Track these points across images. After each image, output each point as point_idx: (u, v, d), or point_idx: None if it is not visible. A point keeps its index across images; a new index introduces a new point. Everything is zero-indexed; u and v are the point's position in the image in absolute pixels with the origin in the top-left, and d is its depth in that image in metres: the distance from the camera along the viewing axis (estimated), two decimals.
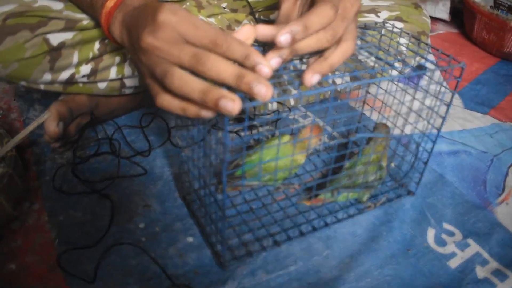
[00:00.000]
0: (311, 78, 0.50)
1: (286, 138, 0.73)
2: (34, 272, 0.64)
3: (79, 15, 0.74)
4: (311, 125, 0.63)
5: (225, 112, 0.44)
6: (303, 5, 0.55)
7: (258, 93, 0.43)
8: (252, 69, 0.45)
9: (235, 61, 0.46)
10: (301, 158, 0.72)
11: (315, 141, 0.70)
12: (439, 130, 0.72)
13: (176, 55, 0.46)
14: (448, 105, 0.69)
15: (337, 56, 0.52)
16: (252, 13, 0.97)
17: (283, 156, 0.67)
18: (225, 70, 0.44)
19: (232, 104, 0.43)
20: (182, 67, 0.46)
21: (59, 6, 0.73)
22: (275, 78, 0.54)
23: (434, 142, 0.73)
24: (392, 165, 0.84)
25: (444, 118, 0.70)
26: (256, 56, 0.45)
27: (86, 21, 0.74)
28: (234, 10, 0.99)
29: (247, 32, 0.49)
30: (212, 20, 0.92)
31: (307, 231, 0.72)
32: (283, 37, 0.47)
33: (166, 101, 0.48)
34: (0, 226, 0.65)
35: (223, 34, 0.46)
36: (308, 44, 0.50)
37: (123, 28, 0.55)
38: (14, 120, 0.93)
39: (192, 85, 0.45)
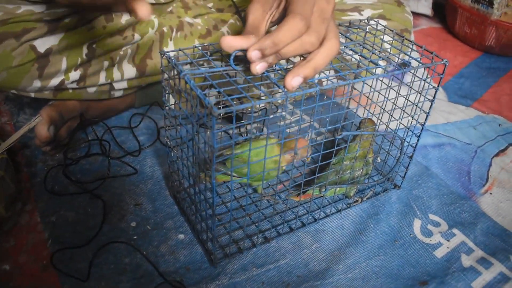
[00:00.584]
0: (291, 81, 0.51)
1: (273, 140, 0.74)
2: (28, 272, 0.64)
3: (61, 10, 0.74)
4: (297, 137, 0.65)
5: (137, 11, 0.48)
6: (273, 15, 0.56)
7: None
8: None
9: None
10: (283, 162, 0.72)
11: (302, 152, 0.71)
12: (423, 125, 0.74)
13: None
14: (432, 101, 0.70)
15: (321, 56, 0.52)
16: (237, 12, 0.98)
17: (268, 157, 0.68)
18: None
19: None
20: None
21: (41, 9, 0.74)
22: (262, 78, 0.55)
23: (418, 137, 0.75)
24: (378, 159, 0.86)
25: (428, 114, 0.72)
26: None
27: (68, 18, 0.75)
28: (220, 10, 1.00)
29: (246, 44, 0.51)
30: (198, 20, 0.94)
31: (296, 227, 0.73)
32: (253, 53, 0.49)
33: None
34: None
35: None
36: (293, 49, 0.51)
37: None
38: (5, 124, 0.94)
39: None
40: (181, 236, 0.71)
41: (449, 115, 1.04)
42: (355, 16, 0.93)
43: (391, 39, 0.72)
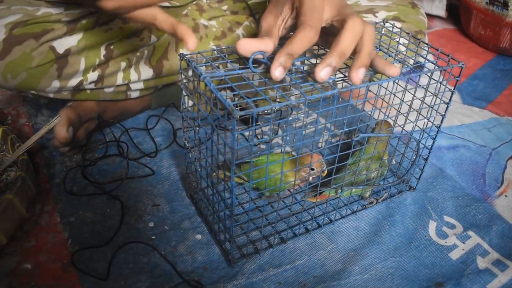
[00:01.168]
0: (321, 72, 0.52)
1: (287, 155, 0.75)
2: (49, 271, 0.66)
3: (78, 11, 0.76)
4: (312, 153, 0.66)
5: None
6: (285, 21, 0.59)
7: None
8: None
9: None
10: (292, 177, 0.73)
11: (316, 171, 0.71)
12: (439, 127, 0.74)
13: None
14: (448, 103, 0.71)
15: (344, 38, 0.53)
16: (252, 15, 0.99)
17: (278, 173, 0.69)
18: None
19: None
20: None
21: (60, 10, 0.75)
22: (278, 81, 0.56)
23: (434, 139, 0.75)
24: (393, 161, 0.86)
25: (444, 116, 0.72)
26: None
27: (85, 19, 0.76)
28: (234, 13, 1.01)
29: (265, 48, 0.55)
30: (213, 22, 0.95)
31: (312, 228, 0.74)
32: (277, 72, 0.51)
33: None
34: (14, 227, 0.67)
35: None
36: (301, 47, 0.53)
37: None
38: (23, 125, 0.95)
39: None
40: (199, 236, 0.72)
41: (463, 117, 1.03)
42: (369, 18, 0.94)
43: (407, 41, 0.72)
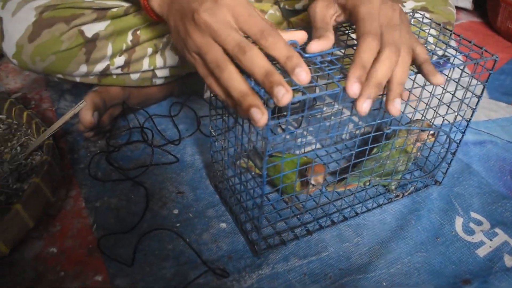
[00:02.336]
0: (363, 106, 0.49)
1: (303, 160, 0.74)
2: (74, 256, 0.66)
3: (110, 2, 0.75)
4: (315, 164, 0.65)
5: (252, 120, 0.46)
6: (338, 15, 0.58)
7: (276, 95, 0.45)
8: (291, 71, 0.46)
9: (274, 59, 0.48)
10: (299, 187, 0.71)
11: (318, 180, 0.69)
12: (468, 121, 0.72)
13: (222, 40, 0.47)
14: (479, 97, 0.69)
15: (380, 69, 0.50)
16: (277, 2, 0.98)
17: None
18: (258, 63, 0.46)
19: (260, 116, 0.45)
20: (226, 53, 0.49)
21: None
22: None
23: (463, 133, 0.74)
24: (418, 154, 0.84)
25: (474, 110, 0.71)
26: (298, 60, 0.46)
27: (116, 8, 0.76)
28: (259, 0, 1.00)
29: (298, 37, 0.51)
30: None
31: (338, 220, 0.73)
32: (355, 87, 0.48)
33: (213, 85, 0.51)
34: (41, 211, 0.67)
35: (273, 29, 0.48)
36: (369, 58, 0.51)
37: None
38: (46, 110, 0.95)
39: (236, 84, 0.47)
40: (223, 225, 0.71)
41: (490, 112, 1.02)
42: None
43: (436, 32, 0.71)
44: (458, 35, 0.70)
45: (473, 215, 0.77)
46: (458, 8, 1.45)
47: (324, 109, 0.96)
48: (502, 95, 1.08)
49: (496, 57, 0.65)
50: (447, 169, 0.79)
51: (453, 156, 0.77)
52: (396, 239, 0.71)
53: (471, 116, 0.72)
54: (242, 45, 0.47)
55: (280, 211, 0.74)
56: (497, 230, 0.74)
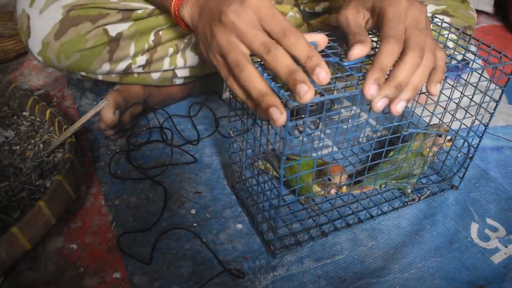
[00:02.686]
0: (397, 107, 0.51)
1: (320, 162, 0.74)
2: (94, 252, 0.67)
3: (136, 4, 0.77)
4: (333, 165, 0.65)
5: (271, 120, 0.47)
6: (367, 21, 0.59)
7: (299, 92, 0.45)
8: (311, 71, 0.47)
9: (295, 58, 0.48)
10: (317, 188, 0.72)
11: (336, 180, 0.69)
12: (486, 125, 0.72)
13: (249, 39, 0.49)
14: (498, 101, 0.69)
15: (402, 70, 0.51)
16: (297, 5, 0.98)
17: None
18: (283, 62, 0.47)
19: (279, 115, 0.46)
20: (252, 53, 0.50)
21: None
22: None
23: (481, 138, 0.74)
24: (435, 159, 0.84)
25: (492, 114, 0.71)
26: (318, 59, 0.47)
27: (140, 10, 0.77)
28: (279, 2, 1.01)
29: (319, 39, 0.53)
30: None
31: (353, 223, 0.73)
32: (372, 88, 0.49)
33: (233, 86, 0.52)
34: (63, 208, 0.68)
35: (295, 29, 0.49)
36: (389, 62, 0.51)
37: (196, 8, 0.58)
38: (68, 108, 0.97)
39: (255, 84, 0.48)
40: (239, 226, 0.72)
41: (508, 117, 1.01)
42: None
43: (456, 37, 0.71)
44: (477, 40, 0.70)
45: (489, 221, 0.77)
46: (479, 12, 1.44)
47: (342, 111, 0.96)
48: None
49: None
50: (464, 173, 0.79)
51: (470, 161, 0.77)
52: (410, 243, 0.71)
53: (489, 120, 0.72)
54: (267, 45, 0.48)
55: (296, 212, 0.75)
56: None
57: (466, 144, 0.74)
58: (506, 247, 0.72)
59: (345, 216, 0.74)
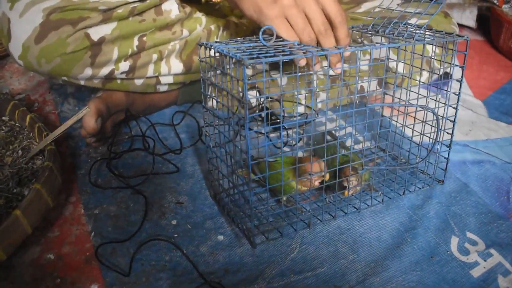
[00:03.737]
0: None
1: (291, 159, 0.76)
2: (72, 263, 0.66)
3: (115, 1, 0.76)
4: (314, 162, 0.67)
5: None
6: None
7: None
8: None
9: None
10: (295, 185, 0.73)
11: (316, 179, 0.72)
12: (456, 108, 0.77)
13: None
14: (461, 80, 0.75)
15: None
16: None
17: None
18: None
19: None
20: None
21: None
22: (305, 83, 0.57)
23: (454, 122, 0.77)
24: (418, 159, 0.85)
25: (458, 95, 0.76)
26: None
27: (121, 9, 0.76)
28: None
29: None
30: (244, 21, 0.94)
31: (339, 216, 0.75)
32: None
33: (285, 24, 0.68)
34: (40, 217, 0.67)
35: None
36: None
37: None
38: (49, 113, 0.96)
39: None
40: (221, 237, 0.72)
41: (489, 131, 1.02)
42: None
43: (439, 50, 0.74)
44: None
45: (469, 235, 0.77)
46: (461, 26, 1.46)
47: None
48: (502, 114, 1.09)
49: (467, 37, 0.72)
50: (446, 164, 0.80)
51: (449, 148, 0.79)
52: (391, 257, 0.71)
53: (459, 90, 0.77)
54: None
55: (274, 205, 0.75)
56: (492, 250, 0.75)
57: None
58: (485, 261, 0.73)
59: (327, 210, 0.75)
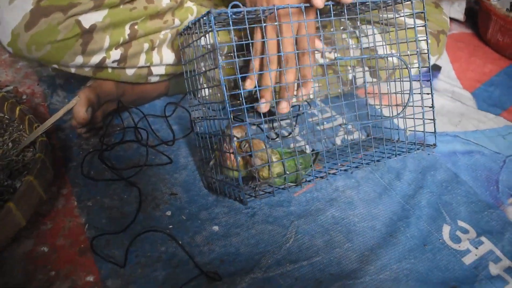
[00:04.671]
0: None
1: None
2: (66, 255, 0.66)
3: None
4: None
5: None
6: None
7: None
8: None
9: None
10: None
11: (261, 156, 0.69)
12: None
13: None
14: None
15: None
16: None
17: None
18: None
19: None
20: None
21: None
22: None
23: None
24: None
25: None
26: None
27: None
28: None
29: None
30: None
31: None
32: None
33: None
34: (33, 210, 0.66)
35: None
36: None
37: None
38: (38, 105, 0.94)
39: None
40: (216, 227, 0.72)
41: (478, 123, 1.04)
42: (392, 15, 0.94)
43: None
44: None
45: (460, 223, 0.78)
46: (450, 19, 1.47)
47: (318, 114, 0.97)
48: (490, 106, 1.10)
49: None
50: (434, 123, 0.78)
51: (432, 108, 0.77)
52: (385, 245, 0.72)
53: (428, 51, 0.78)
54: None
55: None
56: (483, 238, 0.76)
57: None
58: (476, 248, 0.74)
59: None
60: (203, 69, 0.70)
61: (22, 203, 0.63)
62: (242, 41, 0.68)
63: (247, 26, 0.62)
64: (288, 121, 0.96)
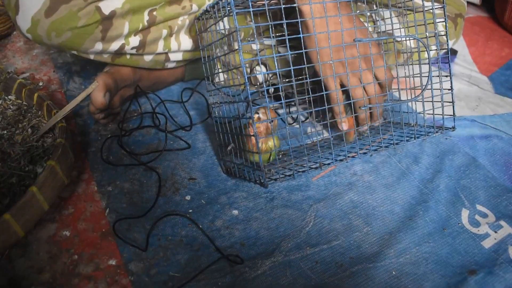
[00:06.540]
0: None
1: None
2: (88, 239, 0.66)
3: None
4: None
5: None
6: None
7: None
8: None
9: None
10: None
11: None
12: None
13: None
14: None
15: None
16: None
17: None
18: None
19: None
20: None
21: None
22: None
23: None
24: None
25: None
26: None
27: None
28: None
29: None
30: None
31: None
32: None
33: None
34: (56, 194, 0.67)
35: None
36: None
37: None
38: (55, 92, 0.95)
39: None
40: (235, 212, 0.72)
41: (496, 107, 1.03)
42: None
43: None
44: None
45: (479, 207, 0.78)
46: (467, 3, 1.45)
47: None
48: (508, 90, 1.09)
49: None
50: (453, 105, 0.77)
51: (451, 90, 0.76)
52: (404, 229, 0.72)
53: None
54: None
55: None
56: (502, 222, 0.75)
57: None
58: (495, 232, 0.74)
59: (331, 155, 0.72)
60: (219, 54, 0.70)
61: (45, 188, 0.63)
62: (260, 24, 0.67)
63: (266, 8, 0.62)
64: (305, 105, 0.96)
